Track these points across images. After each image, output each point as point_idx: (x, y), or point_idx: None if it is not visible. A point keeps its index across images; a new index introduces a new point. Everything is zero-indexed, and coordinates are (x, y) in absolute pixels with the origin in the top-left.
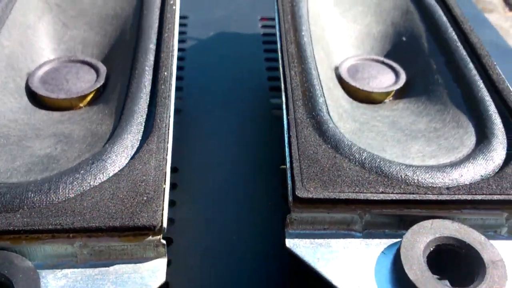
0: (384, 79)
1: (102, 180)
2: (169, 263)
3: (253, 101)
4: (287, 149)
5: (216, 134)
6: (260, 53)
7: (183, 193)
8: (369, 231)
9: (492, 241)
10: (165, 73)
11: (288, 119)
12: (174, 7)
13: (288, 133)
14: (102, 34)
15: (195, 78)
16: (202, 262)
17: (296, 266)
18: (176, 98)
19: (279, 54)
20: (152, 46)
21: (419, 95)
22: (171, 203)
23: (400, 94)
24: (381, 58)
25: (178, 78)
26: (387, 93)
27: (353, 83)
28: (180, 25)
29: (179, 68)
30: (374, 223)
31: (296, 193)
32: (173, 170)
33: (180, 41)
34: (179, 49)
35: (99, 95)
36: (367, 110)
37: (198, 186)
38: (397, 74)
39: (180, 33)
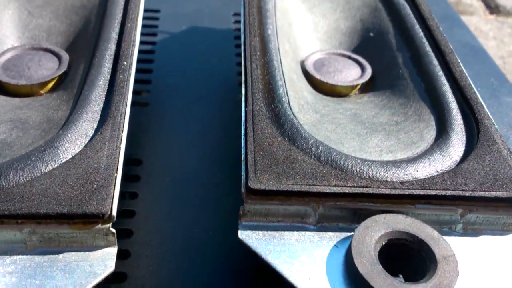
0: (349, 73)
1: (54, 167)
2: (128, 255)
3: (221, 96)
4: (243, 141)
5: (183, 128)
6: (231, 48)
7: (146, 186)
8: (323, 225)
9: (446, 238)
10: (125, 63)
11: (246, 111)
12: None
13: (245, 125)
14: (68, 23)
15: (165, 72)
16: (161, 255)
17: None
18: (144, 91)
19: (242, 47)
20: (114, 36)
21: (384, 88)
22: (133, 195)
23: (366, 88)
24: (348, 53)
25: (147, 71)
26: (352, 87)
27: (318, 76)
28: (152, 18)
29: (148, 61)
30: (328, 216)
31: (249, 184)
32: (138, 162)
33: (150, 34)
34: (150, 42)
35: (61, 83)
36: (331, 103)
37: (162, 179)
38: (363, 69)
39: (151, 26)
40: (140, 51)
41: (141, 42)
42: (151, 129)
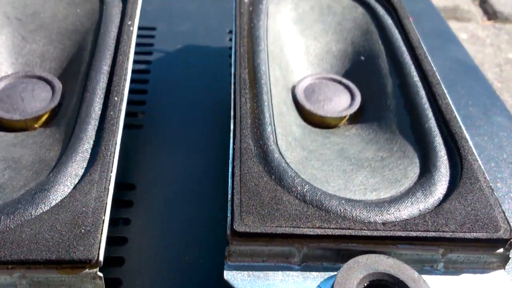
0: (339, 102)
1: (44, 211)
2: (120, 284)
3: (217, 117)
4: (230, 180)
5: (178, 151)
6: (226, 67)
7: (139, 211)
8: (307, 264)
9: (428, 276)
10: (116, 98)
11: (233, 148)
12: (131, 28)
13: (232, 163)
14: (61, 48)
15: (160, 92)
16: (153, 284)
17: None
18: (139, 112)
19: (232, 79)
20: (106, 68)
21: (372, 120)
22: (126, 221)
23: (355, 118)
24: (339, 78)
25: (142, 92)
26: (341, 118)
27: (307, 106)
28: (147, 36)
29: (143, 81)
30: (313, 256)
31: (234, 227)
32: (131, 187)
33: (146, 53)
34: (145, 62)
35: (55, 115)
36: (319, 136)
37: (155, 205)
38: (353, 97)
39: (147, 44)
40: (135, 71)
41: (136, 62)
42: (146, 152)
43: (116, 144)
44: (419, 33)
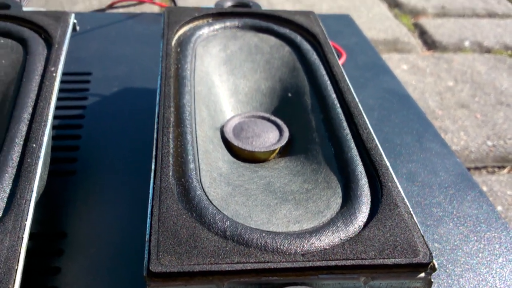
0: (267, 138)
1: None
2: None
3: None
4: (148, 221)
5: (113, 198)
6: None
7: (69, 260)
8: None
9: None
10: (34, 145)
11: (153, 188)
12: (54, 74)
13: (151, 203)
14: None
15: (94, 137)
16: None
17: None
18: (73, 158)
19: (156, 118)
20: (26, 116)
21: (299, 153)
22: (57, 271)
23: (284, 152)
24: (267, 115)
25: (76, 137)
26: (271, 152)
27: (236, 143)
28: (82, 82)
29: (77, 126)
30: None
31: (150, 267)
32: (62, 235)
33: (80, 99)
34: (79, 107)
35: None
36: (247, 171)
37: (86, 252)
38: (281, 132)
39: (82, 90)
40: (68, 117)
41: (70, 107)
42: (78, 199)
43: (32, 191)
44: (353, 67)
